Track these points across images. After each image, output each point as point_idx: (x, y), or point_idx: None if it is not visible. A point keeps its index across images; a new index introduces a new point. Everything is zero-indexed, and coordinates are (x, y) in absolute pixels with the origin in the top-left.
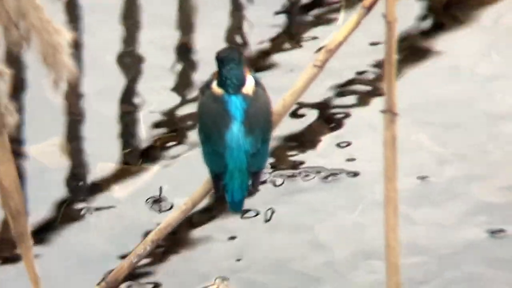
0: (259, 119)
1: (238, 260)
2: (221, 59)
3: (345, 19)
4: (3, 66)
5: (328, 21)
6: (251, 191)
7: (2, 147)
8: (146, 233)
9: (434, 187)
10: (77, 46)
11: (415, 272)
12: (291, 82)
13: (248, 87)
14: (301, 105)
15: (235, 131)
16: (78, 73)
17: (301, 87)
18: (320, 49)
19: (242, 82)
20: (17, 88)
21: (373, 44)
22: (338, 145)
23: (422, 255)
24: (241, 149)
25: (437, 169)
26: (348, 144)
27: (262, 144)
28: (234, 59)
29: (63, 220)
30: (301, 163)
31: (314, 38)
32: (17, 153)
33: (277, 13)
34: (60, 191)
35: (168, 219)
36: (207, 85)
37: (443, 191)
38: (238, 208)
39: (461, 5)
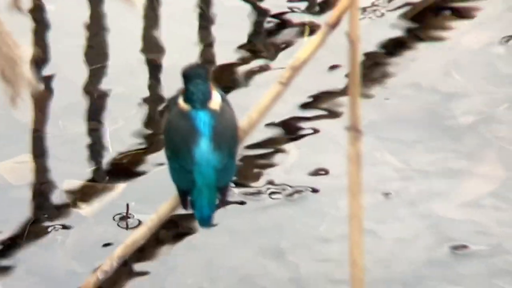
0: (227, 134)
1: (205, 276)
2: (187, 74)
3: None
4: None
5: (294, 39)
6: (220, 206)
7: None
8: (113, 250)
9: (397, 203)
10: (42, 62)
11: (379, 287)
12: (257, 99)
13: (215, 103)
14: (266, 122)
15: (203, 147)
16: (41, 88)
17: (266, 104)
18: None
19: (208, 97)
20: None
21: (335, 63)
22: (303, 161)
23: (386, 270)
24: (209, 165)
25: (400, 185)
26: (313, 160)
27: (228, 159)
28: (200, 75)
29: (28, 238)
30: (266, 180)
31: (281, 56)
32: None
33: (245, 31)
34: (25, 209)
35: (134, 235)
36: (173, 102)
37: (406, 207)
38: (207, 224)
39: (422, 24)
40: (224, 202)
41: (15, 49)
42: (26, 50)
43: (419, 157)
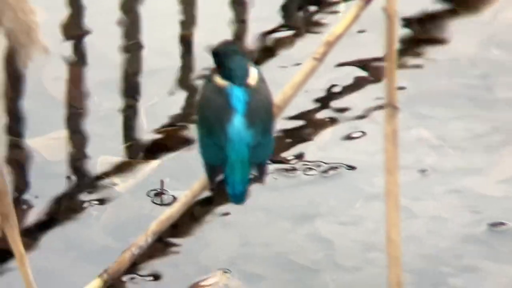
0: (261, 111)
1: (239, 252)
2: (224, 52)
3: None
4: None
5: (330, 14)
6: (258, 182)
7: None
8: (148, 226)
9: (434, 179)
10: (77, 37)
11: (415, 265)
12: (291, 76)
13: (252, 78)
14: (301, 98)
15: (237, 124)
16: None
17: (301, 80)
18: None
19: (247, 73)
20: (17, 81)
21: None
22: (339, 138)
23: (422, 247)
24: (242, 141)
25: (437, 161)
26: (348, 136)
27: (264, 136)
28: (237, 51)
29: (64, 213)
30: (301, 156)
31: (316, 31)
32: (18, 146)
33: (278, 6)
34: (61, 185)
35: (169, 211)
36: (208, 79)
37: (443, 184)
38: (240, 200)
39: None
40: (262, 179)
41: (30, 15)
42: (40, 15)
43: (456, 133)
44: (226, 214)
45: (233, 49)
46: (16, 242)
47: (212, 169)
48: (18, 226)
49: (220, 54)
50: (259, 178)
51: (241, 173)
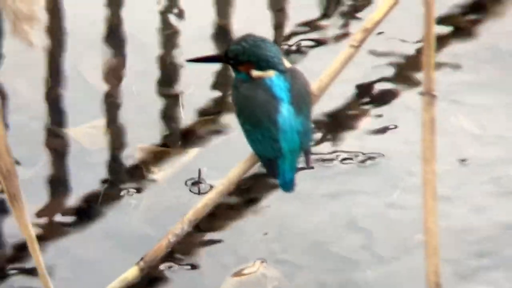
0: (303, 95)
1: (276, 242)
2: (253, 44)
3: None
4: None
5: (367, 2)
6: (307, 167)
7: None
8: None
9: (473, 169)
10: (116, 28)
11: (454, 255)
12: (328, 64)
13: (286, 63)
14: (338, 86)
15: (285, 113)
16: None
17: (338, 67)
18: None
19: (282, 58)
20: (56, 71)
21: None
22: (375, 127)
23: (461, 237)
24: (293, 129)
25: (477, 151)
26: (386, 126)
27: (307, 121)
28: (263, 39)
29: (103, 202)
30: (338, 145)
31: (354, 17)
32: (57, 134)
33: None
34: (100, 173)
35: (205, 199)
36: (241, 79)
37: (483, 174)
38: (290, 188)
39: None
40: (309, 164)
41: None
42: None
43: (497, 122)
44: (264, 203)
45: (260, 39)
46: (25, 225)
47: (270, 162)
48: (26, 208)
49: (250, 48)
50: (307, 163)
51: (290, 161)
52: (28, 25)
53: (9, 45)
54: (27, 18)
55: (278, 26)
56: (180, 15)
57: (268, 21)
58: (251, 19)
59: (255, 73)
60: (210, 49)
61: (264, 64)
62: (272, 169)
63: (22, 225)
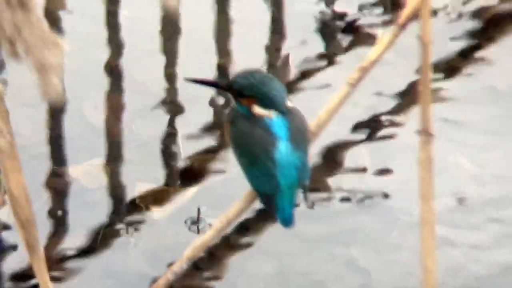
0: (301, 131)
1: (276, 281)
2: (261, 81)
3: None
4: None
5: (365, 40)
6: (306, 203)
7: (12, 157)
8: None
9: (471, 208)
10: (115, 66)
11: None
12: (325, 102)
13: (287, 100)
14: (335, 125)
15: (283, 149)
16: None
17: (335, 105)
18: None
19: (285, 97)
20: (57, 109)
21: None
22: (373, 166)
23: (459, 277)
24: (291, 165)
25: (476, 190)
26: (384, 165)
27: (306, 156)
28: (271, 77)
29: (103, 241)
30: (336, 185)
31: (351, 57)
32: (57, 173)
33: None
34: (100, 212)
35: (204, 237)
36: (236, 114)
37: (482, 213)
38: (289, 223)
39: (498, 27)
40: (307, 199)
41: (53, 50)
42: (63, 49)
43: (496, 161)
44: (263, 242)
45: (268, 76)
46: (42, 275)
47: (268, 198)
48: (45, 258)
49: (257, 85)
50: (306, 199)
51: (289, 197)
52: (56, 76)
53: (10, 82)
54: (53, 68)
55: (276, 65)
56: (179, 54)
57: (266, 60)
58: (250, 59)
59: (257, 109)
60: (209, 89)
61: (268, 103)
62: (270, 205)
63: (40, 277)
